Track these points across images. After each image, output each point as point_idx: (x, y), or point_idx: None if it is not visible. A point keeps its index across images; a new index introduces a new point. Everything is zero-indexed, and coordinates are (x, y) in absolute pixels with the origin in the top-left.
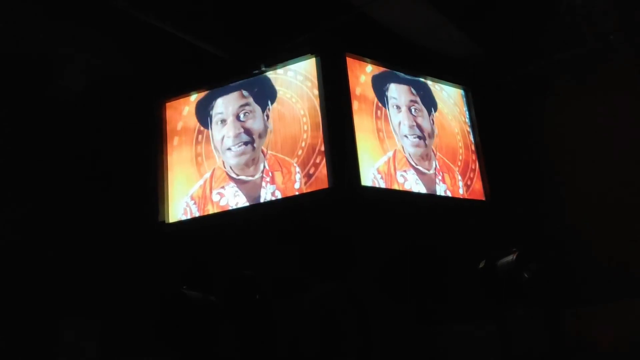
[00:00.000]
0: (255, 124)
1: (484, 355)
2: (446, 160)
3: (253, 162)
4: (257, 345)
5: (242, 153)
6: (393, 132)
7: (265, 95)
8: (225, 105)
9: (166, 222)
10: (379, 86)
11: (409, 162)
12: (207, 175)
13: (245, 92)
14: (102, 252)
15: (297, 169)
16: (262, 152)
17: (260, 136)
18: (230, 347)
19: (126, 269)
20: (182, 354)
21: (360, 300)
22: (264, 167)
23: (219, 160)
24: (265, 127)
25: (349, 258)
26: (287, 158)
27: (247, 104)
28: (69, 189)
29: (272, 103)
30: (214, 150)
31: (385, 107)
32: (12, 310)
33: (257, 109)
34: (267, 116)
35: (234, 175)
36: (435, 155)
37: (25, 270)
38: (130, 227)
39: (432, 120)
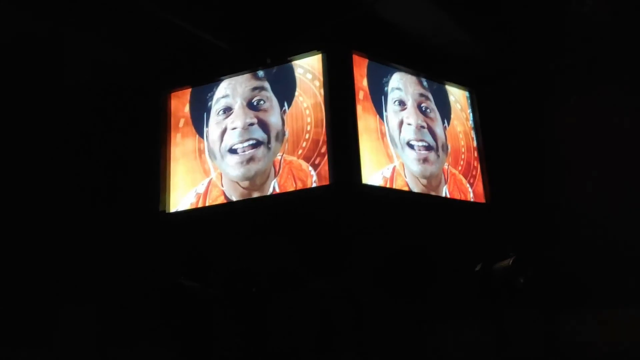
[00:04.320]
0: (272, 118)
1: (480, 356)
2: (463, 182)
3: (263, 176)
4: (251, 337)
5: (252, 159)
6: (390, 143)
7: (284, 86)
8: (232, 87)
9: (167, 211)
10: (377, 77)
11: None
12: (202, 189)
13: (260, 73)
14: (103, 240)
15: (315, 178)
16: (275, 164)
17: (277, 138)
18: (226, 338)
19: (126, 258)
20: (180, 343)
21: (355, 296)
22: (274, 188)
23: (214, 172)
24: (283, 130)
25: (348, 255)
26: (303, 164)
27: (262, 88)
28: (72, 178)
29: (289, 105)
30: (208, 159)
31: (381, 110)
32: (13, 297)
33: (274, 100)
34: (283, 120)
35: (233, 200)
36: (446, 178)
37: (26, 257)
38: (132, 216)
39: (445, 134)
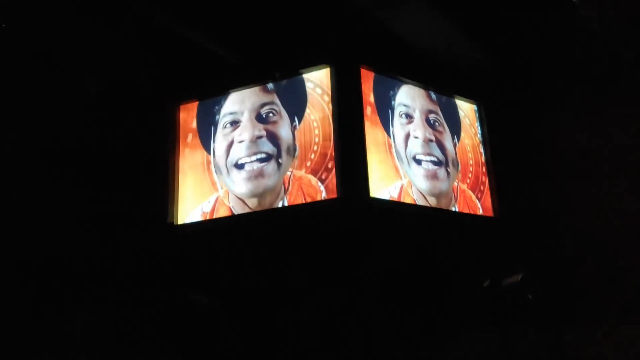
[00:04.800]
0: (282, 131)
1: None
2: (473, 198)
3: (273, 195)
4: (256, 350)
5: (261, 174)
6: (396, 158)
7: (294, 101)
8: (240, 101)
9: (175, 223)
10: (383, 91)
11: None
12: (208, 207)
13: (269, 86)
14: (110, 250)
15: (324, 194)
16: (284, 180)
17: (288, 152)
18: (231, 349)
19: (133, 268)
20: (184, 354)
21: (363, 309)
22: (283, 206)
23: (222, 190)
24: (294, 145)
25: (355, 268)
26: (312, 179)
27: (272, 102)
28: (81, 188)
29: (300, 120)
30: (214, 173)
31: (388, 125)
32: (20, 305)
33: (285, 113)
34: (294, 135)
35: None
36: (456, 196)
37: (33, 265)
38: (139, 227)
39: (456, 150)
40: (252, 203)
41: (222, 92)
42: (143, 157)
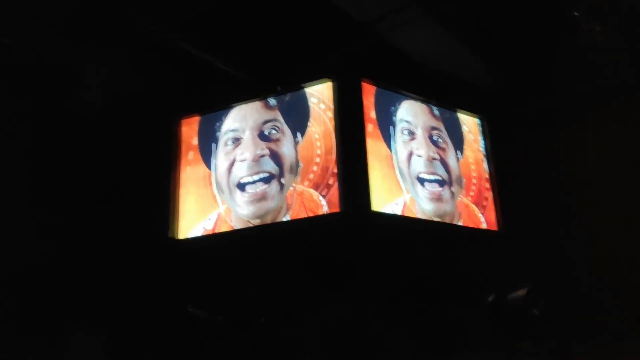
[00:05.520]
0: (285, 148)
1: None
2: (476, 212)
3: (274, 213)
4: None
5: (263, 197)
6: (398, 176)
7: (297, 116)
8: (241, 118)
9: (175, 238)
10: (385, 106)
11: None
12: (210, 225)
13: (272, 101)
14: (111, 265)
15: (326, 208)
16: (287, 197)
17: (291, 170)
18: None
19: (134, 284)
20: None
21: (365, 325)
22: (284, 220)
23: (222, 206)
24: (297, 162)
25: (358, 283)
26: (314, 194)
27: (275, 119)
28: (81, 202)
29: (302, 135)
30: (215, 191)
31: (389, 141)
32: (21, 319)
33: (287, 130)
34: (297, 151)
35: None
36: (460, 213)
37: (34, 279)
38: (140, 242)
39: (459, 166)
40: (255, 222)
41: (224, 106)
42: (144, 171)
